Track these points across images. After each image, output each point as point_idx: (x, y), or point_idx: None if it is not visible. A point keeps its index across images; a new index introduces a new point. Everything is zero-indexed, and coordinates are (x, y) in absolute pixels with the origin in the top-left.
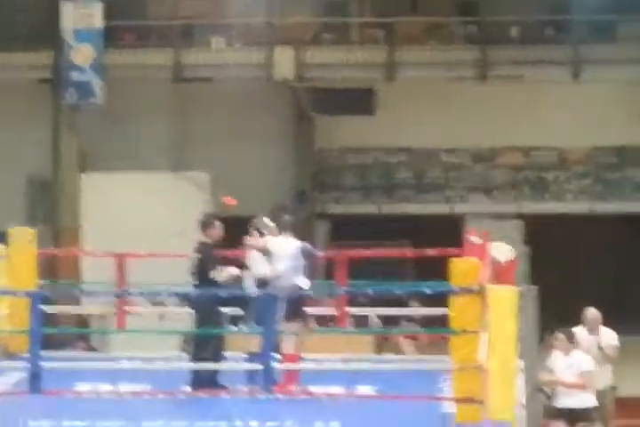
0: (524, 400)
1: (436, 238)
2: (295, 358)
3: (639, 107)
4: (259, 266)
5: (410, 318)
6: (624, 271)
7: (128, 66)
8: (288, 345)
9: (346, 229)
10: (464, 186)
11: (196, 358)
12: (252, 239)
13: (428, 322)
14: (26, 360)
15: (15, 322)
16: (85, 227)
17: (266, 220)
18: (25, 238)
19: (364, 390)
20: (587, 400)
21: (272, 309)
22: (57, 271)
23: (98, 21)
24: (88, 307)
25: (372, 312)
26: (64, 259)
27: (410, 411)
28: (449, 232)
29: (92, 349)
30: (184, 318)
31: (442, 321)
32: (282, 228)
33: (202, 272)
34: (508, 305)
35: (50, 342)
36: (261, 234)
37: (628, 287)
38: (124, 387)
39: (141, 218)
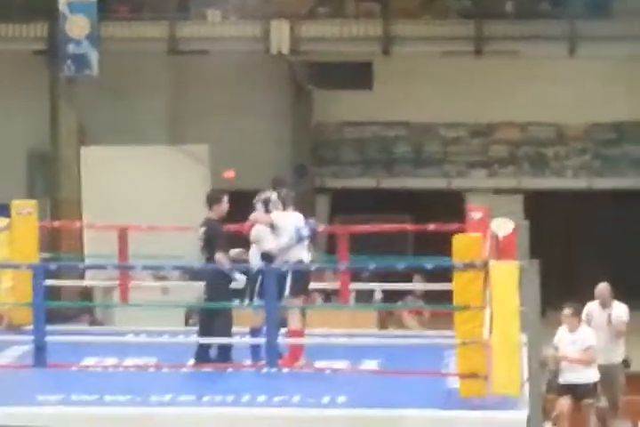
0: (526, 376)
1: (435, 213)
2: (300, 334)
3: (636, 82)
4: (264, 241)
5: (413, 293)
6: (623, 247)
7: (123, 39)
8: (293, 320)
9: (345, 204)
10: (463, 160)
11: (205, 332)
12: (258, 214)
13: (432, 297)
14: (30, 334)
15: (18, 295)
16: (85, 200)
17: (271, 194)
18: (26, 211)
19: (369, 365)
20: (591, 376)
21: (276, 283)
22: (59, 244)
23: None
24: (91, 280)
25: (376, 287)
26: (66, 232)
27: (414, 386)
28: (449, 207)
29: (96, 322)
30: (187, 291)
31: (446, 296)
32: (286, 202)
33: (210, 248)
34: (510, 280)
35: (54, 316)
36: (267, 208)
37: (627, 263)
38: (130, 361)
39: (140, 191)
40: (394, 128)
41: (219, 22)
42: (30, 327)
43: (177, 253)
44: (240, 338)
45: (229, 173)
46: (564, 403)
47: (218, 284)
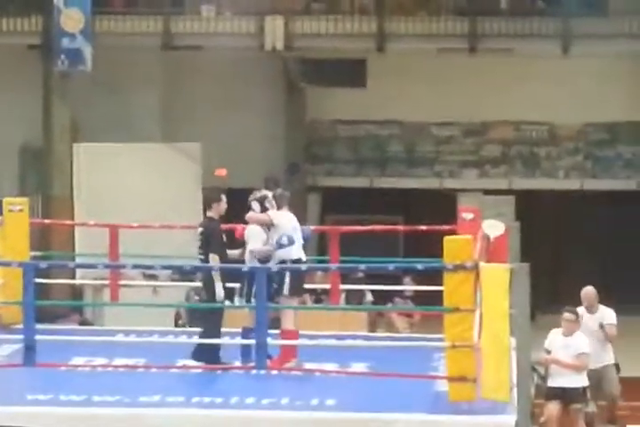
0: (515, 379)
1: (427, 213)
2: (295, 334)
3: (631, 82)
4: (257, 240)
5: (403, 295)
6: (614, 248)
7: (116, 33)
8: (289, 320)
9: (337, 203)
10: (455, 160)
11: (202, 331)
12: (256, 214)
13: (422, 298)
14: (19, 332)
15: (8, 293)
16: (77, 197)
17: (267, 193)
18: (17, 208)
19: (358, 367)
20: (580, 380)
21: (271, 283)
22: (50, 241)
23: None
24: (81, 279)
25: (366, 288)
26: (57, 229)
27: (403, 389)
28: (440, 207)
29: (86, 321)
30: (177, 292)
31: (436, 298)
32: (281, 202)
33: (206, 248)
34: (501, 283)
35: (44, 315)
36: (264, 207)
37: (616, 264)
38: (119, 361)
39: (132, 189)
40: (387, 127)
41: (213, 18)
42: (20, 326)
43: (168, 252)
44: (230, 339)
45: (221, 172)
46: (553, 408)
47: (212, 285)
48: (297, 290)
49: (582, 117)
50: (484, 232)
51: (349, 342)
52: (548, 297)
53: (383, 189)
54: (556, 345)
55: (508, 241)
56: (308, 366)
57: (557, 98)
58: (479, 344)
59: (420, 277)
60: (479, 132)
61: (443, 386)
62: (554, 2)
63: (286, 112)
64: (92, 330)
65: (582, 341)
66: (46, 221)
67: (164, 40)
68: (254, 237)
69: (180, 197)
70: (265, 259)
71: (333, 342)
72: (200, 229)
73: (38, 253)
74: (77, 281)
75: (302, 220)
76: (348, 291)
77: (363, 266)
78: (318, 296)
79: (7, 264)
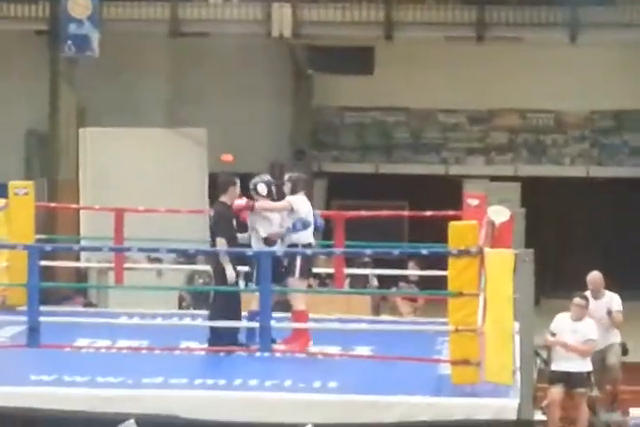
0: (518, 363)
1: (433, 199)
2: (306, 315)
3: (637, 70)
4: (264, 224)
5: (408, 280)
6: (620, 235)
7: (124, 20)
8: (299, 302)
9: (343, 189)
10: (461, 147)
11: (214, 315)
12: (274, 203)
13: (426, 283)
14: (24, 314)
15: (13, 275)
16: (82, 181)
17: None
18: (23, 192)
19: (362, 350)
20: (584, 365)
21: (271, 267)
22: (55, 225)
23: None
24: (86, 262)
25: (371, 273)
26: (62, 213)
27: (407, 372)
28: (446, 193)
29: (90, 304)
30: (181, 275)
31: (440, 282)
32: (298, 185)
33: (216, 232)
34: (505, 268)
35: (48, 297)
36: (269, 190)
37: (620, 251)
38: (123, 342)
39: (138, 173)
40: (394, 114)
41: (220, 4)
42: (24, 308)
43: (173, 236)
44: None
45: (227, 157)
46: (556, 392)
47: (221, 269)
48: (307, 273)
49: (588, 105)
50: (489, 218)
51: (353, 325)
52: (552, 282)
53: (389, 176)
54: (563, 329)
55: (514, 227)
56: (312, 349)
57: (564, 86)
58: (482, 328)
59: (425, 262)
60: (486, 120)
61: (446, 369)
62: None
63: (293, 99)
64: (95, 312)
65: (591, 327)
66: (52, 204)
67: (171, 26)
68: (260, 221)
69: (186, 182)
70: (273, 242)
71: (337, 325)
72: (211, 214)
73: (43, 237)
74: (82, 264)
75: None
76: (352, 276)
77: (368, 251)
78: (323, 280)
79: (13, 247)
